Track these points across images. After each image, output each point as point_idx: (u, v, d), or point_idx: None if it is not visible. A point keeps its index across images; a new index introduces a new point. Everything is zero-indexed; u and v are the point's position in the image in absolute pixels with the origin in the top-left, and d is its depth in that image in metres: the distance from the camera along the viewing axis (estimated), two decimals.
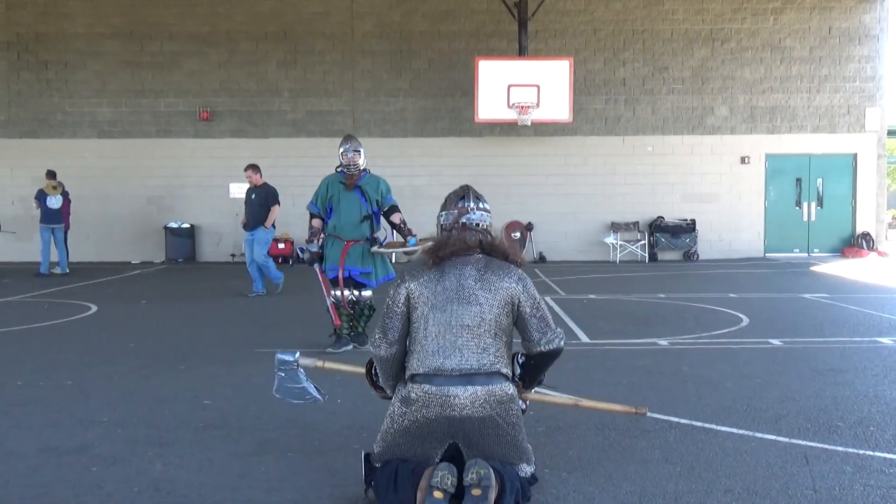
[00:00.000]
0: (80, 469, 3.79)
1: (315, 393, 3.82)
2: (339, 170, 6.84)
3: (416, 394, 3.26)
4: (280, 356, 3.80)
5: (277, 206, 11.35)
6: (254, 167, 11.37)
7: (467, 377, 3.23)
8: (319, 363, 3.80)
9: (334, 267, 6.66)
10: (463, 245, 3.44)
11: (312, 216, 6.85)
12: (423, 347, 3.31)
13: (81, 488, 3.53)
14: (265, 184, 11.36)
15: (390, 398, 3.48)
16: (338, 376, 5.73)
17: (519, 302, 3.38)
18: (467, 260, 3.43)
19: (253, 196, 11.29)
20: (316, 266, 6.80)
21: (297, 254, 6.86)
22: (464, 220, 3.53)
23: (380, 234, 6.88)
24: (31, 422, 4.61)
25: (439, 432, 3.24)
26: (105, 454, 4.01)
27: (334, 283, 6.71)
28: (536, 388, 3.66)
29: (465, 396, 3.21)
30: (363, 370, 3.71)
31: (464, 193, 3.62)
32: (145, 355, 6.67)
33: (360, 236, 6.71)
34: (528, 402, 3.60)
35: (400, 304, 3.42)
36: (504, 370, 3.32)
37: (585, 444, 4.07)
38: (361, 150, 6.84)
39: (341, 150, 6.81)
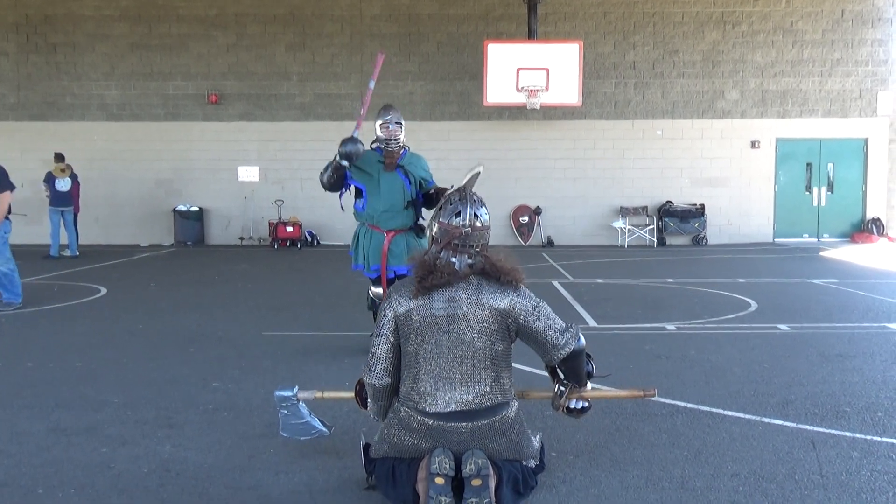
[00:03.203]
0: (89, 450, 3.82)
1: (320, 426, 3.68)
2: (374, 146, 5.78)
3: (415, 424, 3.15)
4: (279, 393, 3.68)
5: (9, 191, 8.16)
6: None
7: (468, 413, 3.12)
8: (318, 394, 3.71)
9: (376, 266, 5.69)
10: (452, 275, 3.17)
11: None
12: (417, 383, 3.16)
13: (91, 469, 3.56)
14: None
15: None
16: (345, 361, 5.77)
17: (517, 317, 3.16)
18: (457, 284, 3.18)
19: None
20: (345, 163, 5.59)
21: (336, 163, 5.53)
22: (457, 242, 3.24)
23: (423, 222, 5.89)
24: (42, 403, 4.65)
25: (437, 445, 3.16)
26: (115, 435, 4.04)
27: (376, 283, 5.78)
28: (593, 384, 3.48)
29: (466, 431, 3.11)
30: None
31: (460, 209, 3.26)
32: (154, 338, 6.71)
33: (402, 225, 5.71)
34: (589, 401, 3.43)
35: (389, 335, 3.22)
36: (503, 398, 3.18)
37: (592, 427, 4.08)
38: (403, 123, 5.81)
39: (380, 121, 5.73)
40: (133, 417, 4.36)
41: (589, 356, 3.45)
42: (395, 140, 5.71)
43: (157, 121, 17.40)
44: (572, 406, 3.37)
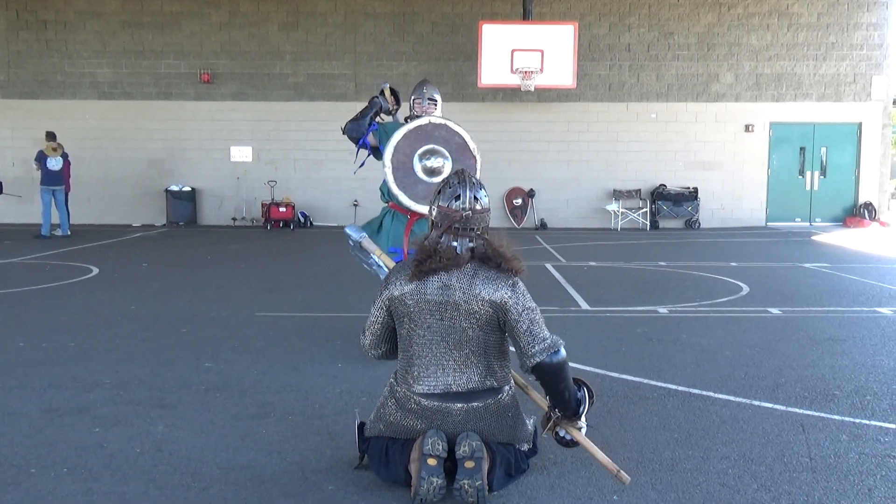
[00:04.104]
0: (82, 430, 3.83)
1: (375, 267, 4.10)
2: (406, 120, 5.58)
3: (412, 404, 3.16)
4: (347, 230, 4.15)
5: None
6: None
7: (463, 395, 3.13)
8: (377, 252, 4.06)
9: (396, 248, 5.38)
10: (452, 260, 3.14)
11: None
12: (411, 367, 3.18)
13: (84, 449, 3.57)
14: None
15: None
16: (338, 342, 5.78)
17: (507, 312, 3.10)
18: (453, 271, 3.14)
19: None
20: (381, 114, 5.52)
21: (377, 105, 5.47)
22: (457, 226, 3.18)
23: None
24: (34, 383, 4.64)
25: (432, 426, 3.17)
26: (107, 415, 4.04)
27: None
28: (584, 424, 3.28)
29: (461, 412, 3.12)
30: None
31: (459, 192, 3.20)
32: (146, 318, 6.70)
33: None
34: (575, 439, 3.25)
35: (384, 316, 3.27)
36: (497, 384, 3.17)
37: None
38: (439, 100, 5.61)
39: (414, 97, 5.56)
40: (126, 398, 4.36)
41: (591, 395, 3.33)
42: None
43: (148, 99, 17.29)
44: (561, 434, 3.28)
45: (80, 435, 3.75)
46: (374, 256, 4.03)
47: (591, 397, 3.33)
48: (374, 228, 5.47)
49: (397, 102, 5.76)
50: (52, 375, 4.81)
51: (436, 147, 5.30)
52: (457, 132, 5.40)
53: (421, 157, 5.26)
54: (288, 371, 4.94)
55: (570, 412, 3.20)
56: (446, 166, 5.25)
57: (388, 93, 5.71)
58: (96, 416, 4.04)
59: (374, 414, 3.31)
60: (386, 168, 5.23)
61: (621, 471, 3.03)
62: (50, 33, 17.23)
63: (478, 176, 4.85)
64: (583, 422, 3.27)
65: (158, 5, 17.12)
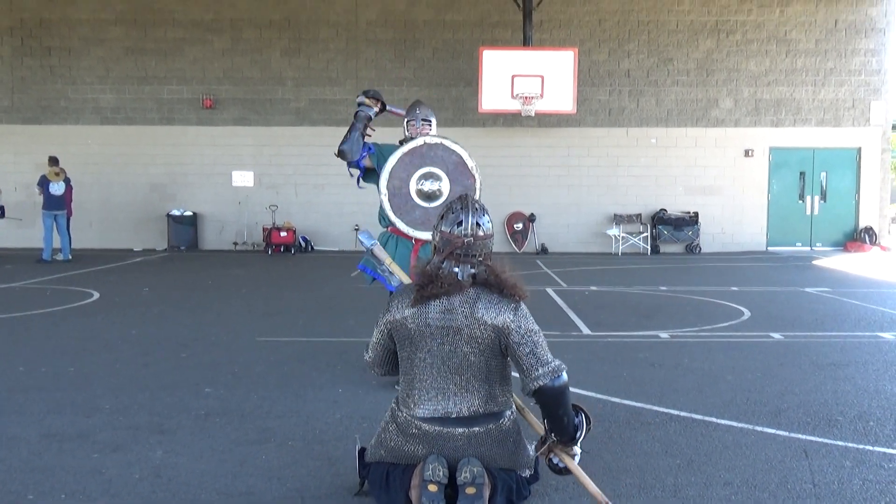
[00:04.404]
0: (81, 455, 3.81)
1: (387, 274, 4.14)
2: (401, 143, 5.44)
3: (413, 429, 3.14)
4: (360, 237, 4.26)
5: None
6: None
7: (464, 420, 3.11)
8: (388, 261, 4.14)
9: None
10: (453, 286, 3.13)
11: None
12: (412, 389, 3.17)
13: (83, 474, 3.55)
14: None
15: None
16: (339, 367, 5.76)
17: (508, 335, 3.08)
18: (455, 296, 3.13)
19: None
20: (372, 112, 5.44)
21: (360, 113, 5.35)
22: (459, 252, 3.17)
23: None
24: (34, 408, 4.63)
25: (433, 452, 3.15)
26: (106, 441, 4.03)
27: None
28: (579, 450, 3.23)
29: (462, 437, 3.10)
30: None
31: (462, 218, 3.19)
32: (147, 343, 6.68)
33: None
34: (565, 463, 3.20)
35: (385, 339, 3.30)
36: (498, 409, 3.16)
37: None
38: (433, 121, 5.54)
39: (408, 119, 5.49)
40: (125, 423, 4.34)
41: (588, 421, 3.28)
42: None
43: (151, 125, 17.38)
44: (555, 461, 3.23)
45: (78, 460, 3.73)
46: (385, 264, 4.09)
47: (587, 423, 3.29)
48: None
49: (378, 101, 5.60)
50: (51, 400, 4.79)
51: (432, 169, 5.17)
52: (454, 151, 5.24)
53: (417, 181, 5.15)
54: (288, 396, 4.92)
55: (567, 437, 3.17)
56: (443, 188, 5.13)
57: (367, 100, 5.56)
58: (95, 441, 4.02)
59: (375, 439, 3.29)
60: (382, 195, 5.12)
61: (609, 503, 3.00)
62: (54, 59, 17.37)
63: (478, 195, 4.84)
64: (578, 448, 3.23)
65: (162, 32, 17.27)
